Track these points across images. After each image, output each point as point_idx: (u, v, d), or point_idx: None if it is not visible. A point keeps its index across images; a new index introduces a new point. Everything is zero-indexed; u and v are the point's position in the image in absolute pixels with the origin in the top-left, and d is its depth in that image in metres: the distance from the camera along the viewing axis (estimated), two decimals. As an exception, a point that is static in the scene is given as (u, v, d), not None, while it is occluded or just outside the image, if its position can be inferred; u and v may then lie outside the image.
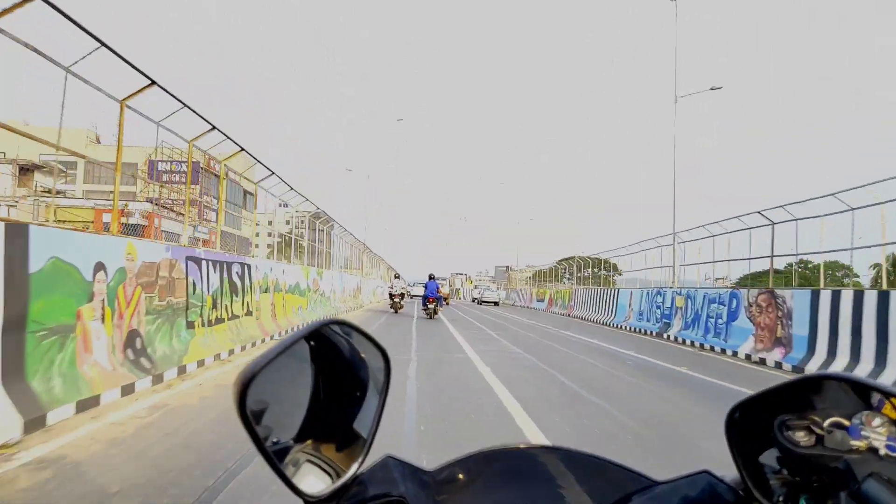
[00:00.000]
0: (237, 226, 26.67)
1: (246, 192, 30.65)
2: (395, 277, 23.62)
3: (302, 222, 31.70)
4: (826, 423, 0.62)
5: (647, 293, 19.28)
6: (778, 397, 0.64)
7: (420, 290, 26.99)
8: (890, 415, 0.59)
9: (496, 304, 46.05)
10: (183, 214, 23.50)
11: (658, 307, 18.12)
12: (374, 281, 35.31)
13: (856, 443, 0.60)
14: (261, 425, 0.59)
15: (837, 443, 0.60)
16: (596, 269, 30.52)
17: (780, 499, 0.61)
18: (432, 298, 19.00)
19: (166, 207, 25.99)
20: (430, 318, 18.75)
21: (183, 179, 25.83)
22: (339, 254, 26.38)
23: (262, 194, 15.27)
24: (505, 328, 17.08)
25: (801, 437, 0.62)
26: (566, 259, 37.89)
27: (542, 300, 38.50)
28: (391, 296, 21.66)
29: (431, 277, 20.09)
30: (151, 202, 25.60)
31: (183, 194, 24.25)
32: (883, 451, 0.59)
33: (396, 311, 21.28)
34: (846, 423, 0.61)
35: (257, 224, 21.85)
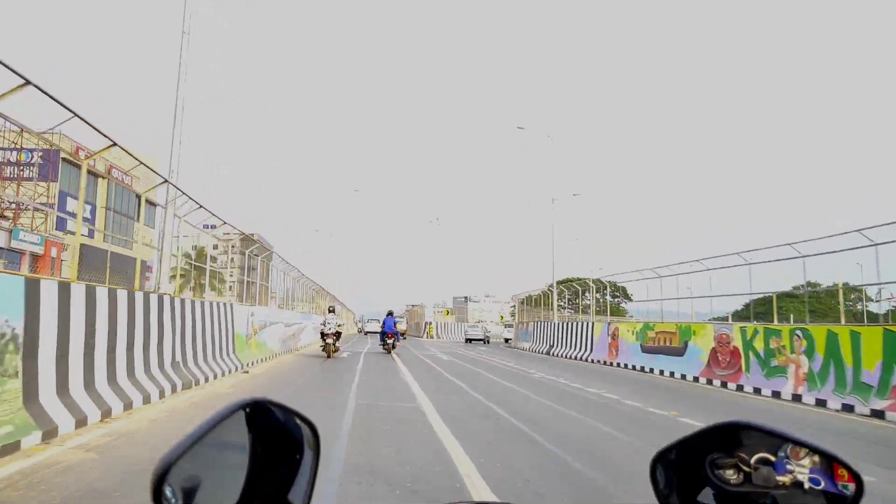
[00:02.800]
0: (127, 244, 20.87)
1: (148, 203, 24.50)
2: (329, 311, 17.44)
3: (232, 247, 25.93)
4: (753, 460, 0.64)
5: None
6: (700, 441, 0.66)
7: (375, 327, 27.10)
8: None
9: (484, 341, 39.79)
10: (7, 218, 17.24)
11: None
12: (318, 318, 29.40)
13: (781, 478, 0.63)
14: (195, 503, 0.58)
15: (764, 479, 0.63)
16: (601, 296, 25.90)
17: None
18: (391, 334, 19.63)
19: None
20: (388, 353, 19.28)
21: (32, 174, 19.51)
22: (279, 286, 22.63)
23: (165, 211, 11.91)
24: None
25: (730, 475, 0.64)
26: (562, 282, 32.64)
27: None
28: (323, 336, 16.43)
29: (390, 314, 20.57)
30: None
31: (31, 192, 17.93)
32: (807, 486, 0.62)
33: (329, 356, 16.16)
34: (772, 458, 0.64)
35: (158, 248, 16.08)
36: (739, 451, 0.65)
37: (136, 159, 8.68)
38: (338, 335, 16.54)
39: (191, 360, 9.28)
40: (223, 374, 10.56)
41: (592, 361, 19.69)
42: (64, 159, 18.98)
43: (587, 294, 29.12)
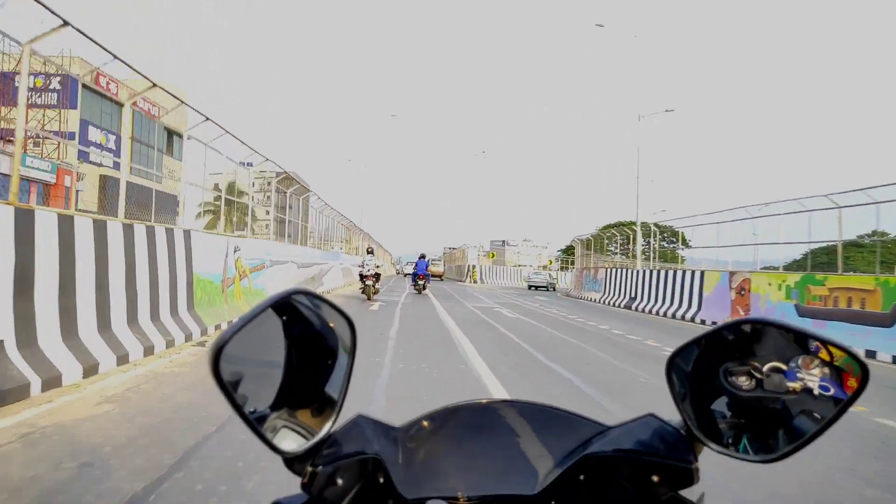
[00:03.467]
0: (154, 177, 19.29)
1: (173, 134, 22.89)
2: (368, 252, 17.11)
3: (268, 184, 24.74)
4: (765, 368, 0.66)
5: None
6: (716, 343, 0.68)
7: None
8: (824, 358, 0.64)
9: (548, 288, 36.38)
10: (12, 142, 15.68)
11: None
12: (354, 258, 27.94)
13: (792, 384, 0.65)
14: (238, 393, 0.61)
15: (775, 385, 0.65)
16: (655, 241, 23.72)
17: (729, 440, 0.65)
18: (422, 276, 20.84)
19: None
20: (420, 293, 20.44)
21: (54, 101, 18.08)
22: (317, 227, 21.90)
23: (198, 147, 10.43)
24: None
25: (743, 381, 0.66)
26: (612, 226, 30.31)
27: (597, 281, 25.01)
28: (362, 277, 16.39)
29: (422, 257, 21.75)
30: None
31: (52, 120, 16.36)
32: (816, 392, 0.64)
33: (370, 298, 16.11)
34: (784, 367, 0.65)
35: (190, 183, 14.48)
36: (752, 360, 0.66)
37: (178, 99, 8.53)
38: (377, 276, 16.48)
39: (84, 328, 5.21)
40: (148, 351, 6.13)
41: (703, 322, 15.22)
42: (85, 86, 17.36)
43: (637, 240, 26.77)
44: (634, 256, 24.40)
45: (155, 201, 10.45)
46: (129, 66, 6.51)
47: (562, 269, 50.45)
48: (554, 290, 35.47)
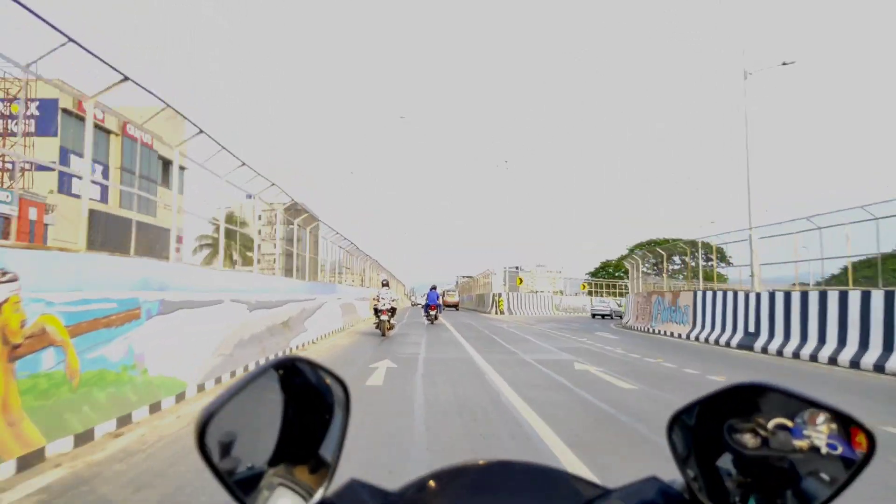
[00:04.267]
0: (150, 210, 17.60)
1: (167, 163, 21.30)
2: (383, 286, 15.89)
3: (275, 216, 23.47)
4: (770, 425, 0.65)
5: None
6: (718, 404, 0.67)
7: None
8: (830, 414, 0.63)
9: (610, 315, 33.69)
10: None
11: None
12: (365, 291, 26.28)
13: (798, 443, 0.63)
14: (230, 456, 0.62)
15: (782, 443, 0.64)
16: (694, 259, 21.64)
17: (737, 499, 0.64)
18: (434, 306, 21.52)
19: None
20: (432, 323, 21.06)
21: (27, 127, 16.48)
22: (327, 259, 20.19)
23: (199, 173, 9.04)
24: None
25: (748, 439, 0.65)
26: (644, 244, 28.08)
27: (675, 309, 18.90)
28: (377, 312, 15.21)
29: (433, 288, 22.58)
30: None
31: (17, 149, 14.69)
32: (824, 451, 0.62)
33: (384, 334, 14.88)
34: (789, 423, 0.64)
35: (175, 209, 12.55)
36: (757, 416, 0.65)
37: (159, 98, 6.53)
38: (392, 311, 15.29)
39: None
40: None
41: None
42: (64, 110, 15.94)
43: (674, 258, 24.83)
44: (689, 277, 22.15)
45: (138, 234, 8.45)
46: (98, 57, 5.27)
47: (590, 294, 46.95)
48: (621, 318, 30.52)
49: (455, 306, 48.74)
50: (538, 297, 42.87)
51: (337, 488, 0.67)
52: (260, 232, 12.37)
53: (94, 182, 19.04)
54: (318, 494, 0.65)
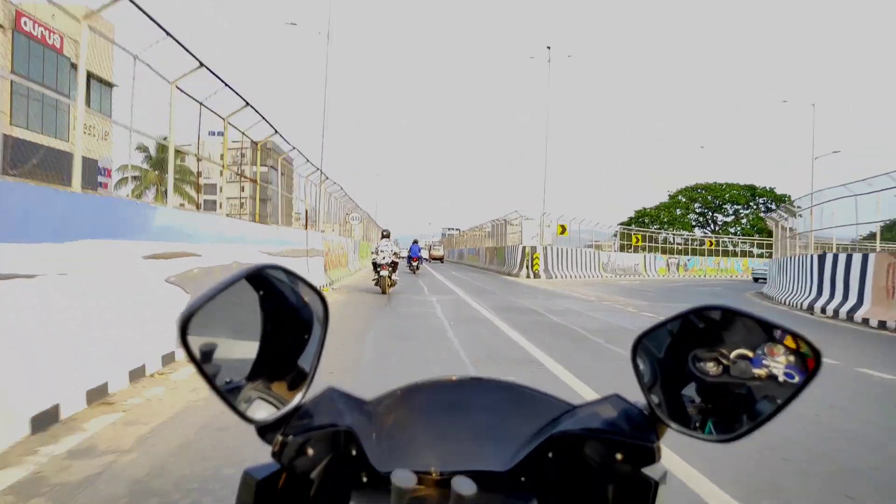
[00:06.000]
0: (54, 130, 14.01)
1: (93, 78, 17.89)
2: (383, 237, 14.88)
3: (242, 156, 20.82)
4: (732, 355, 0.67)
5: None
6: (684, 329, 0.70)
7: (415, 251, 26.07)
8: (790, 346, 0.66)
9: None
10: None
11: None
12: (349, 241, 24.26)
13: (758, 371, 0.66)
14: (211, 363, 0.63)
15: (741, 371, 0.67)
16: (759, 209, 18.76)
17: (697, 424, 0.67)
18: (415, 258, 24.47)
19: None
20: (414, 272, 23.48)
21: None
22: (304, 202, 17.90)
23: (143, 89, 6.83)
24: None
25: (710, 367, 0.68)
26: (688, 189, 24.12)
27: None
28: (376, 267, 13.89)
29: (415, 242, 25.64)
30: None
31: None
32: (781, 379, 0.66)
33: (384, 291, 13.77)
34: (750, 354, 0.67)
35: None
36: (720, 347, 0.68)
37: None
38: (394, 266, 13.91)
39: None
40: None
41: None
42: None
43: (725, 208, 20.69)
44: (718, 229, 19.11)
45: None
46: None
47: (621, 250, 37.63)
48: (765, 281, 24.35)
49: (440, 259, 51.72)
50: (583, 255, 31.39)
51: (315, 396, 0.68)
52: (222, 173, 10.07)
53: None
54: (295, 400, 0.66)
